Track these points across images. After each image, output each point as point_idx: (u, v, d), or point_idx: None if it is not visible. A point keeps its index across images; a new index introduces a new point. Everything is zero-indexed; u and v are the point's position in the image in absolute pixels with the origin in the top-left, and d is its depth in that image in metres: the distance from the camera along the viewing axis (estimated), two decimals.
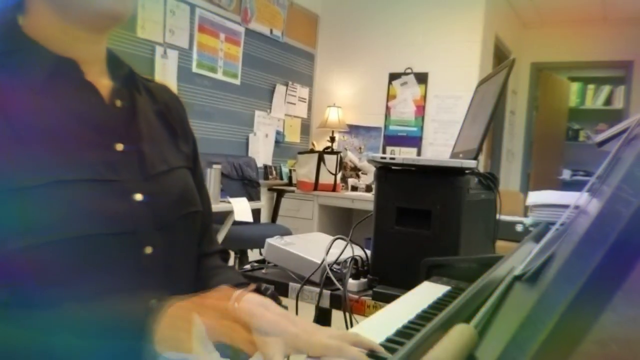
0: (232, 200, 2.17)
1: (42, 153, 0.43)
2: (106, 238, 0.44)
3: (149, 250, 0.47)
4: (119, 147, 0.48)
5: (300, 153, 3.16)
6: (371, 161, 0.86)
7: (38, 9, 0.47)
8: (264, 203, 3.08)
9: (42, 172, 0.42)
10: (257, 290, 0.52)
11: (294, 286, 0.84)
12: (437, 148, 3.26)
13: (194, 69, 2.68)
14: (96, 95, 0.49)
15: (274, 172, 3.27)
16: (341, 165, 3.09)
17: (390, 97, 3.44)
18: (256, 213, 2.69)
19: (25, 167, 0.42)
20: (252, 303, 0.42)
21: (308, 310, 0.71)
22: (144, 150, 0.50)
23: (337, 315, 0.82)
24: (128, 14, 0.48)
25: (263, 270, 0.92)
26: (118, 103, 0.50)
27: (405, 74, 3.39)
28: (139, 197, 0.47)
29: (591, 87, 4.55)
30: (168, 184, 0.51)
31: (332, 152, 3.07)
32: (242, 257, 2.47)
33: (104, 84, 0.50)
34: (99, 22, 0.48)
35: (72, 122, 0.46)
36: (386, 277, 0.82)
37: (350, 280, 0.81)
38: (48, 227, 0.41)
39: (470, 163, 0.77)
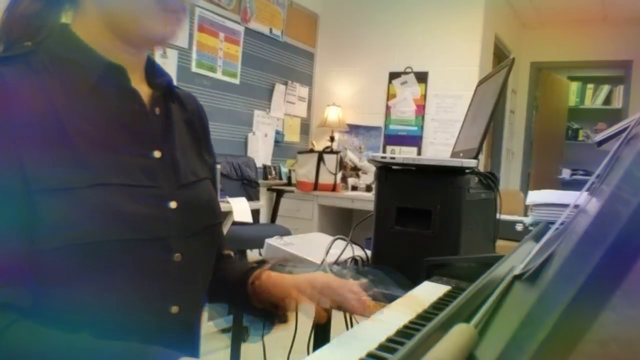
0: (231, 200, 2.17)
1: (86, 155, 0.43)
2: (141, 243, 0.45)
3: (178, 257, 0.48)
4: (157, 154, 0.49)
5: (299, 153, 3.16)
6: (371, 161, 0.86)
7: (91, 15, 0.48)
8: (263, 203, 3.08)
9: (85, 174, 0.43)
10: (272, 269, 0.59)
11: None
12: (438, 147, 3.26)
13: (194, 69, 2.68)
14: (139, 102, 0.49)
15: (273, 172, 3.26)
16: (341, 165, 3.09)
17: (390, 96, 3.44)
18: (255, 213, 2.69)
19: (69, 168, 0.42)
20: (270, 275, 0.56)
21: None
22: (178, 158, 0.51)
23: (337, 315, 0.82)
24: (176, 38, 0.50)
25: None
26: (157, 111, 0.51)
27: (405, 73, 3.39)
28: (173, 204, 0.48)
29: (590, 86, 4.55)
30: (197, 194, 0.53)
31: (332, 152, 3.07)
32: (242, 258, 2.47)
33: (145, 91, 0.51)
34: (147, 43, 0.50)
35: (115, 126, 0.47)
36: (386, 277, 0.81)
37: (351, 281, 0.81)
38: (87, 229, 0.41)
39: (471, 162, 0.77)
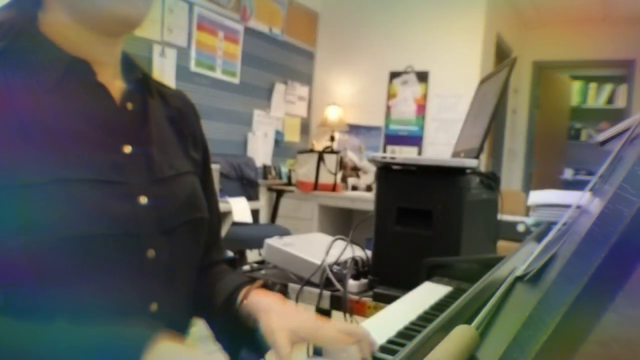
0: (230, 200, 2.17)
1: (48, 151, 0.43)
2: (108, 239, 0.44)
3: (151, 253, 0.47)
4: (127, 149, 0.48)
5: (299, 152, 3.16)
6: (371, 161, 0.86)
7: (54, 8, 0.47)
8: (263, 203, 3.08)
9: (47, 170, 0.42)
10: (264, 286, 0.54)
11: (293, 287, 0.83)
12: (438, 147, 3.26)
13: (193, 68, 2.68)
14: (107, 97, 0.49)
15: (273, 172, 3.26)
16: (341, 164, 3.09)
17: (390, 96, 3.44)
18: (255, 213, 2.69)
19: (30, 164, 0.42)
20: (259, 299, 0.50)
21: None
22: (152, 153, 0.50)
23: (337, 317, 0.82)
24: (142, 21, 0.48)
25: (262, 271, 0.92)
26: (129, 106, 0.51)
27: (405, 72, 3.38)
28: (143, 200, 0.47)
29: (593, 85, 4.54)
30: (174, 189, 0.52)
31: (332, 152, 3.07)
32: (241, 258, 2.47)
33: (117, 86, 0.51)
34: (113, 27, 0.49)
35: (80, 122, 0.46)
36: (387, 277, 0.81)
37: (351, 281, 0.80)
38: (50, 225, 0.41)
39: (472, 162, 0.77)
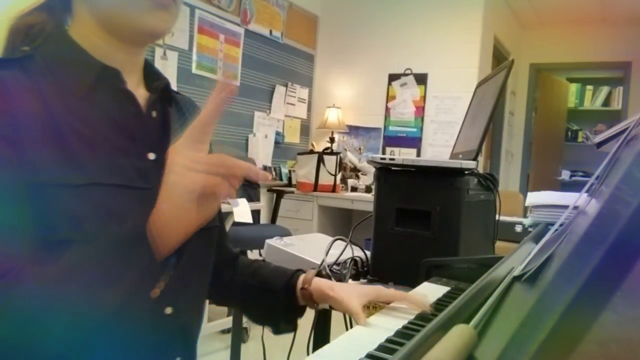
0: (231, 201, 2.17)
1: (80, 155, 0.44)
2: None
3: (172, 259, 0.48)
4: (152, 156, 0.49)
5: (299, 154, 3.16)
6: (371, 162, 0.86)
7: (82, 15, 0.48)
8: (264, 204, 3.07)
9: (78, 173, 0.43)
10: (318, 275, 0.64)
11: None
12: (437, 149, 3.26)
13: (194, 70, 2.69)
14: (135, 104, 0.50)
15: (273, 173, 3.26)
16: (341, 166, 3.09)
17: (389, 97, 3.44)
18: (256, 214, 2.69)
19: (63, 166, 0.43)
20: (320, 282, 0.60)
21: (307, 311, 0.71)
22: None
23: (336, 316, 0.82)
24: (168, 32, 0.50)
25: None
26: (154, 114, 0.52)
27: (404, 74, 3.39)
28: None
29: (590, 88, 4.56)
30: None
31: (332, 153, 3.07)
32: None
33: (141, 94, 0.52)
34: (140, 38, 0.50)
35: (111, 128, 0.47)
36: (386, 277, 0.82)
37: (350, 281, 0.81)
38: (78, 226, 0.42)
39: (470, 164, 0.77)
